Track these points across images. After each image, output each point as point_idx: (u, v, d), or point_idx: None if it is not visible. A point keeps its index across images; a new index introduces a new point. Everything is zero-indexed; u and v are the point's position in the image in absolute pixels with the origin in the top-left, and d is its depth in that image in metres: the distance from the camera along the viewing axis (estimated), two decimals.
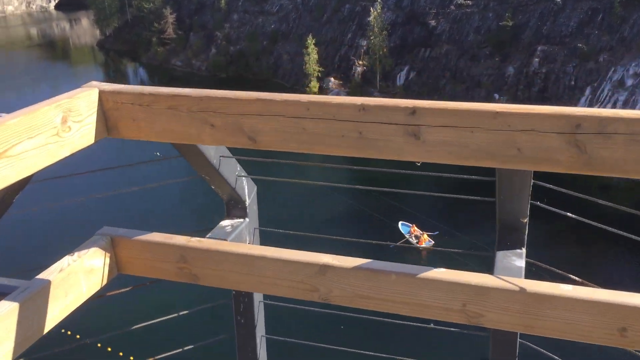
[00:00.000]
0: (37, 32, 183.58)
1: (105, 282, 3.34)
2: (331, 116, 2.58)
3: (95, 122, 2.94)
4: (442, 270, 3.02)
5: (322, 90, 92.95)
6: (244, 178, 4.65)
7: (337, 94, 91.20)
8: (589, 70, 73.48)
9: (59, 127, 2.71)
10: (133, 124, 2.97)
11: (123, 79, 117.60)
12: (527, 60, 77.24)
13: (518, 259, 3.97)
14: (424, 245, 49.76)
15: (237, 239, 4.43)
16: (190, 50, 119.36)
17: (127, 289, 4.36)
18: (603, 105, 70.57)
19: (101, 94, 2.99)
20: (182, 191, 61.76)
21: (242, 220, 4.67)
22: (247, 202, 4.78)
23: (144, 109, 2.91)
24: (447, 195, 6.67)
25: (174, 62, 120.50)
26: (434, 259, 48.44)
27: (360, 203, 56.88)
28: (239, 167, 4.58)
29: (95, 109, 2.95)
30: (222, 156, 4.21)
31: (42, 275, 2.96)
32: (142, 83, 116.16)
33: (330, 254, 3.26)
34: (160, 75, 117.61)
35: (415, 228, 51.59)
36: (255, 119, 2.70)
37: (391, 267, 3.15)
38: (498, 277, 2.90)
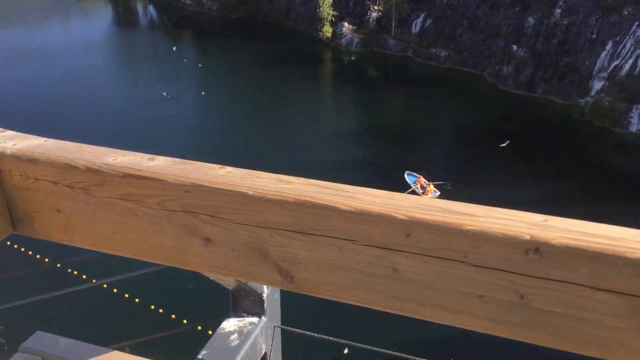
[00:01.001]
0: None
1: None
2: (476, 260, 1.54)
3: None
4: None
5: (335, 35, 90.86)
6: None
7: (351, 39, 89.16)
8: (612, 23, 71.21)
9: None
10: (57, 219, 1.97)
11: (132, 16, 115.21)
12: (548, 10, 74.82)
13: None
14: (429, 196, 49.55)
15: (248, 348, 3.22)
16: None
17: None
18: (624, 60, 68.78)
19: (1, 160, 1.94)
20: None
21: (256, 319, 3.35)
22: (265, 292, 3.36)
23: (81, 195, 1.90)
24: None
25: (184, 1, 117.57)
26: None
27: (366, 153, 56.40)
28: None
29: None
30: None
31: None
32: (152, 22, 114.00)
33: None
34: (170, 13, 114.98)
35: (422, 179, 51.15)
36: (290, 238, 1.71)
37: None
38: None
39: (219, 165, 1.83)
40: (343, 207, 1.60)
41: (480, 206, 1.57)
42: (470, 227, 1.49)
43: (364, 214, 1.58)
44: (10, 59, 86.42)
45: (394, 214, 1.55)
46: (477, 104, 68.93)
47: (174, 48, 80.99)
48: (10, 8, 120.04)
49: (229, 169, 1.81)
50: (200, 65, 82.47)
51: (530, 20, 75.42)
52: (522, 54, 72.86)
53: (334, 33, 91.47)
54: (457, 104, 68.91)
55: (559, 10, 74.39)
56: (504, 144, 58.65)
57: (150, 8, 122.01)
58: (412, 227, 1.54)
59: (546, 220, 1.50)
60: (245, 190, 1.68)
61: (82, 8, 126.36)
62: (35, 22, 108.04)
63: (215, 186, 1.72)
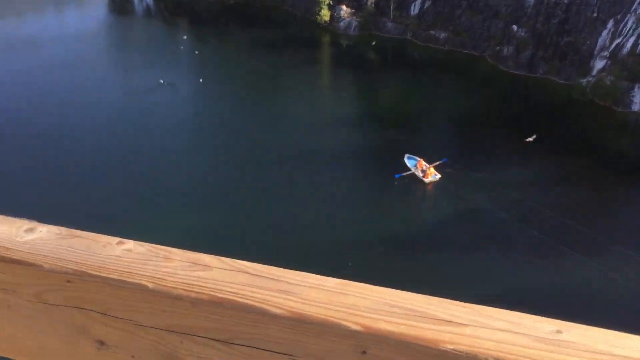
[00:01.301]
0: None
1: None
2: None
3: None
4: None
5: (333, 19, 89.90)
6: None
7: (349, 23, 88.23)
8: (613, 1, 70.22)
9: None
10: None
11: (128, 5, 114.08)
12: None
13: None
14: (429, 179, 49.15)
15: None
16: None
17: None
18: (626, 38, 67.90)
19: None
20: None
21: None
22: None
23: None
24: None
25: None
26: (439, 193, 47.92)
27: (366, 137, 55.83)
28: None
29: None
30: None
31: None
32: (148, 10, 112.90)
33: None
34: (166, 0, 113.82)
35: (423, 162, 50.60)
36: (207, 347, 1.32)
37: None
38: None
39: (118, 240, 1.43)
40: (275, 310, 1.20)
41: (468, 306, 1.16)
42: (450, 346, 1.08)
43: (302, 320, 1.18)
44: (3, 49, 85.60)
45: (343, 322, 1.15)
46: (478, 86, 68.22)
47: (185, 37, 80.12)
48: None
49: (130, 244, 1.39)
50: (196, 52, 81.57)
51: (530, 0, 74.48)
52: (522, 34, 71.99)
53: (332, 17, 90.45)
54: (457, 86, 68.18)
55: None
56: (531, 139, 54.29)
57: None
58: (368, 341, 1.13)
59: (559, 332, 1.08)
60: (145, 283, 1.28)
61: None
62: (30, 12, 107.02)
63: (107, 275, 1.32)
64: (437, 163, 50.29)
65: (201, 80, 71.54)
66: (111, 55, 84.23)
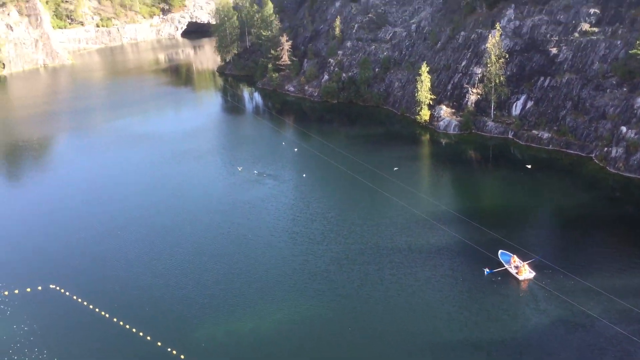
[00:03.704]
0: (164, 57, 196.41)
1: None
2: None
3: None
4: None
5: (433, 118, 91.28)
6: None
7: (449, 122, 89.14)
8: None
9: None
10: None
11: (239, 104, 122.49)
12: None
13: None
14: (523, 276, 47.03)
15: None
16: (304, 77, 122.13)
17: None
18: None
19: None
20: None
21: None
22: None
23: None
24: None
25: (287, 88, 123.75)
26: (534, 291, 45.33)
27: (461, 233, 54.70)
28: None
29: None
30: None
31: None
32: (257, 107, 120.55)
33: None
34: (274, 100, 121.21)
35: (516, 258, 48.92)
36: None
37: None
38: None
39: None
40: None
41: None
42: None
43: None
44: (127, 143, 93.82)
45: None
46: (583, 187, 65.58)
47: (295, 150, 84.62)
48: (132, 98, 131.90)
49: None
50: (295, 149, 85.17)
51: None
52: (632, 135, 69.23)
53: (431, 116, 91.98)
54: (561, 186, 65.92)
55: None
56: (529, 166, 71.24)
57: (256, 95, 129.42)
58: None
59: None
60: None
61: (194, 97, 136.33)
62: (153, 111, 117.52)
63: None
64: (531, 260, 48.41)
65: (304, 175, 74.09)
66: (220, 149, 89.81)
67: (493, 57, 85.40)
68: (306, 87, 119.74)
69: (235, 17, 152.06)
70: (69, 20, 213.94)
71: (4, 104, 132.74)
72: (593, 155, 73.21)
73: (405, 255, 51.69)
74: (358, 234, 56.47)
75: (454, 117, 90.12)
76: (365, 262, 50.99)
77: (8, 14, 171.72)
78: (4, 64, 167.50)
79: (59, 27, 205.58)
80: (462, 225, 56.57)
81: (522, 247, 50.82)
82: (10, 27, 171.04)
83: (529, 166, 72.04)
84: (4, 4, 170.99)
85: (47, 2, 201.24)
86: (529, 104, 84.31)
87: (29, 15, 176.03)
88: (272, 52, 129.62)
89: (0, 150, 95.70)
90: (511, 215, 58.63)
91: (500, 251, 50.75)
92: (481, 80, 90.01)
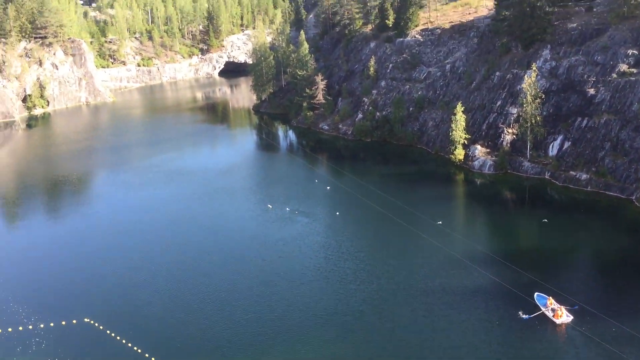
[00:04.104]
0: (201, 95, 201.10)
1: None
2: None
3: None
4: None
5: (467, 158, 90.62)
6: None
7: (484, 162, 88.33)
8: None
9: None
10: None
11: (274, 142, 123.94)
12: None
13: None
14: (560, 320, 45.45)
15: None
16: (338, 115, 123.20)
17: None
18: None
19: None
20: None
21: None
22: None
23: None
24: None
25: (321, 126, 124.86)
26: (572, 337, 43.67)
27: (497, 275, 53.45)
28: None
29: None
30: None
31: None
32: (291, 145, 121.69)
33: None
34: (308, 138, 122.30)
35: (553, 301, 47.39)
36: None
37: None
38: None
39: None
40: None
41: None
42: None
43: None
44: (162, 179, 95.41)
45: None
46: (624, 230, 63.74)
47: (328, 188, 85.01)
48: (169, 135, 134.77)
49: None
50: (328, 187, 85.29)
51: None
52: None
53: (466, 155, 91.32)
54: (600, 228, 64.23)
55: None
56: (545, 220, 65.85)
57: (291, 133, 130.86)
58: None
59: None
60: None
61: (230, 135, 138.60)
62: (189, 149, 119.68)
63: None
64: (568, 308, 46.84)
65: (337, 213, 73.95)
66: (253, 186, 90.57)
67: (529, 97, 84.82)
68: (340, 126, 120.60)
69: (271, 57, 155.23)
70: (112, 60, 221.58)
71: (47, 140, 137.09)
72: (633, 197, 71.41)
73: (439, 297, 50.73)
74: (391, 274, 55.80)
75: (489, 156, 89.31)
76: (398, 303, 50.21)
77: (54, 54, 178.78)
78: (48, 101, 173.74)
79: (102, 67, 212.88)
80: (498, 266, 55.42)
81: (560, 291, 49.39)
82: (56, 66, 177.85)
83: (546, 220, 66.78)
84: (50, 44, 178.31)
85: (91, 42, 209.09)
86: (567, 144, 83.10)
87: (73, 55, 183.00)
88: (307, 91, 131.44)
89: (40, 184, 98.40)
90: (548, 258, 57.25)
91: (536, 294, 49.44)
92: (517, 120, 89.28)
